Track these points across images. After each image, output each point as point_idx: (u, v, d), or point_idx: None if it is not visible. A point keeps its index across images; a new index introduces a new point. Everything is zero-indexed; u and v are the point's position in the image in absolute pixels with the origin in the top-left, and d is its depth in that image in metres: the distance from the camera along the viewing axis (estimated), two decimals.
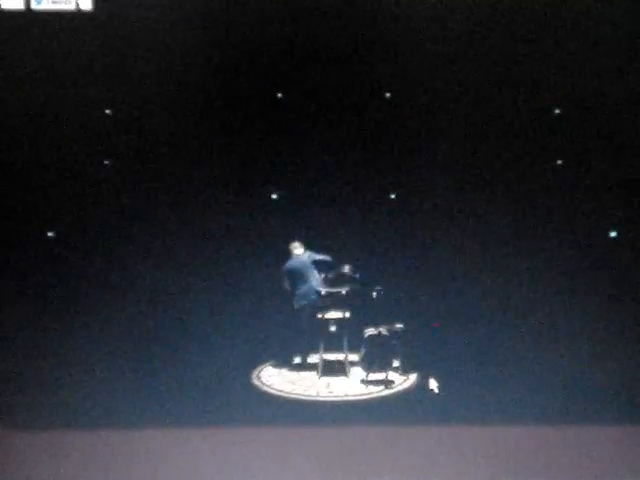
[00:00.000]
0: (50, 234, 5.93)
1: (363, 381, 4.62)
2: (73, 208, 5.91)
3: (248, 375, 4.83)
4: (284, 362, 5.07)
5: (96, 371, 4.70)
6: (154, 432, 3.57)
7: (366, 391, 4.45)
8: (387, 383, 4.54)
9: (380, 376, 4.60)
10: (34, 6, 5.36)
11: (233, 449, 3.36)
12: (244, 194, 6.04)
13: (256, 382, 4.68)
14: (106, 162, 5.92)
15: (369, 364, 4.60)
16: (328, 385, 4.60)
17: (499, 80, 5.84)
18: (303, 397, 4.35)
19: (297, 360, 5.09)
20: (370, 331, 4.65)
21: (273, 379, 4.75)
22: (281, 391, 4.46)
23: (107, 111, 5.84)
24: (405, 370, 4.77)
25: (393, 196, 6.21)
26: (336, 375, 4.79)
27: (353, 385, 4.59)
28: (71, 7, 5.41)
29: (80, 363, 4.83)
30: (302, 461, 3.21)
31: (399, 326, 4.73)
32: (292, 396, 4.36)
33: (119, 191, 5.94)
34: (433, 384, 4.38)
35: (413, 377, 4.69)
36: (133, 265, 5.88)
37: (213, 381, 4.61)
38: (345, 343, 4.76)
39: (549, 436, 3.50)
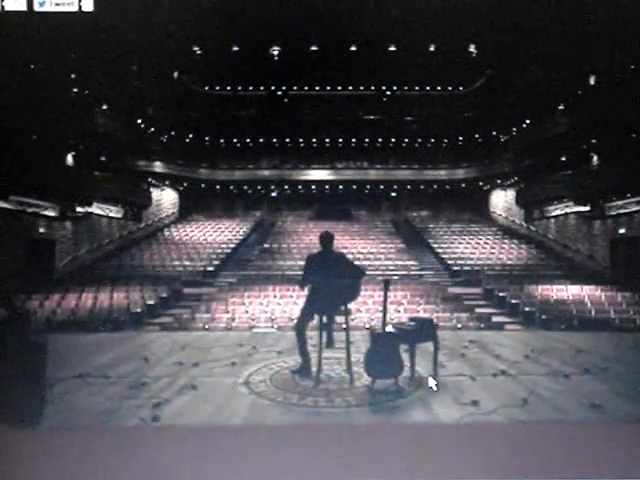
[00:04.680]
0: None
1: (369, 389, 3.91)
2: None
3: (235, 380, 4.20)
4: (277, 365, 4.40)
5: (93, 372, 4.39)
6: (151, 433, 3.21)
7: (372, 400, 3.73)
8: (396, 391, 3.82)
9: (388, 383, 3.89)
10: (37, 7, 5.37)
11: (216, 452, 2.90)
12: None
13: (243, 389, 4.02)
14: (103, 159, 5.78)
15: (375, 368, 3.88)
16: (327, 393, 3.89)
17: None
18: (297, 407, 3.64)
19: (294, 363, 4.45)
20: (376, 329, 3.98)
21: (263, 385, 4.08)
22: (272, 400, 3.77)
23: (105, 107, 5.74)
24: (417, 376, 4.08)
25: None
26: (336, 381, 4.10)
27: (357, 393, 3.88)
28: (73, 8, 5.39)
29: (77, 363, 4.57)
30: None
31: (410, 324, 4.07)
32: (285, 406, 3.65)
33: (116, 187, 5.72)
34: (432, 382, 3.94)
35: (426, 383, 3.99)
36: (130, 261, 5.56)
37: (196, 383, 4.08)
38: (348, 344, 4.11)
39: (569, 436, 3.10)
